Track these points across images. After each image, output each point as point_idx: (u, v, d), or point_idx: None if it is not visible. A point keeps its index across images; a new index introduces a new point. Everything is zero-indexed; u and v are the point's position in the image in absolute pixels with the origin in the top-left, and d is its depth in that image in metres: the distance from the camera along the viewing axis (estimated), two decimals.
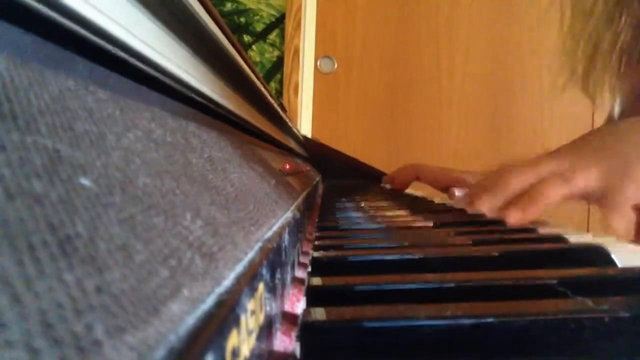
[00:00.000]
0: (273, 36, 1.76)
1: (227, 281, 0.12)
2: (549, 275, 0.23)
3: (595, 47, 0.60)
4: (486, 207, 0.51)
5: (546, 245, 0.32)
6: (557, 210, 0.47)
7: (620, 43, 0.57)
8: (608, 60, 0.59)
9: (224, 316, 0.10)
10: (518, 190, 0.50)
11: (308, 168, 0.89)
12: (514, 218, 0.47)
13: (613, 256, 0.27)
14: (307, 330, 0.17)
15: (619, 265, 0.27)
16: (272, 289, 0.16)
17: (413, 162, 0.79)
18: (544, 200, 0.47)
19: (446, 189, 0.67)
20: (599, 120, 0.69)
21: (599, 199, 0.47)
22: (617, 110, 0.64)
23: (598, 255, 0.28)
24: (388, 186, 0.89)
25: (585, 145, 0.51)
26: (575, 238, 0.33)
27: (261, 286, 0.14)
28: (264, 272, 0.15)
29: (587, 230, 0.38)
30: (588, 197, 0.49)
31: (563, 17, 0.64)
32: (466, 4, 1.77)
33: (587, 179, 0.47)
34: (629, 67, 0.59)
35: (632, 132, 0.49)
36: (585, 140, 0.52)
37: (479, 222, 0.47)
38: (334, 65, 1.80)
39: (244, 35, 1.76)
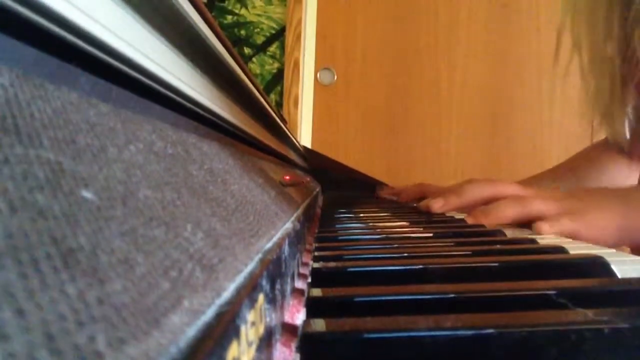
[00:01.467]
0: (273, 48, 1.77)
1: (227, 292, 0.12)
2: (548, 286, 0.23)
3: (612, 84, 0.65)
4: (437, 205, 0.60)
5: (546, 256, 0.32)
6: None
7: (631, 76, 0.62)
8: (622, 94, 0.64)
9: (224, 327, 0.10)
10: (472, 199, 0.58)
11: (308, 179, 0.90)
12: (469, 220, 0.53)
13: (613, 267, 0.27)
14: (307, 342, 0.17)
15: (619, 276, 0.27)
16: (272, 300, 0.16)
17: (420, 182, 0.86)
18: (496, 214, 0.52)
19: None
20: (597, 135, 0.72)
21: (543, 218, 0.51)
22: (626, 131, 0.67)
23: (598, 267, 0.28)
24: (387, 197, 0.92)
25: (565, 192, 0.56)
26: (575, 249, 0.33)
27: (261, 297, 0.14)
28: (264, 283, 0.15)
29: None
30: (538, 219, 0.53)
31: (582, 63, 0.71)
32: (465, 16, 1.78)
33: (541, 206, 0.51)
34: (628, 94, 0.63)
35: (598, 195, 0.55)
36: (569, 191, 0.58)
37: (478, 233, 0.47)
38: (334, 77, 1.80)
39: (245, 48, 1.77)
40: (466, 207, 0.59)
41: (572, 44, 0.70)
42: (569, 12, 0.71)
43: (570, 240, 0.41)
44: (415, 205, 0.63)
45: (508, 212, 0.52)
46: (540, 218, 0.50)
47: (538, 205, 0.51)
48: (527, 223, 0.51)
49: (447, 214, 0.62)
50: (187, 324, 0.09)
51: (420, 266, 0.28)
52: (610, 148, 0.74)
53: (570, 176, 0.78)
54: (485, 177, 0.62)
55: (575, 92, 0.72)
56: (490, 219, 0.52)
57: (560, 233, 0.48)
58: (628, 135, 0.69)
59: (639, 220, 0.52)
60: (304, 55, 1.76)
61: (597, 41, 0.66)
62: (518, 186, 0.58)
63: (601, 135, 0.75)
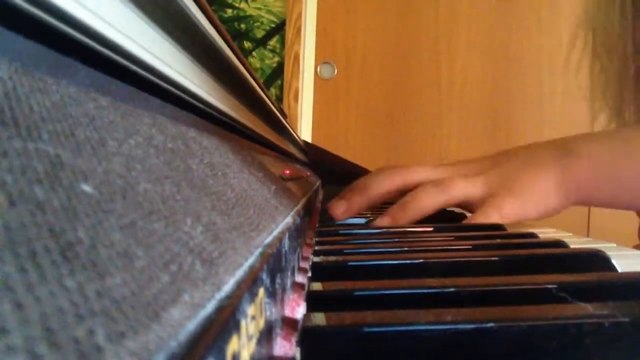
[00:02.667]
0: (273, 42, 1.76)
1: (228, 286, 0.12)
2: (548, 280, 0.23)
3: (626, 75, 0.60)
4: (339, 211, 0.49)
5: (546, 250, 0.32)
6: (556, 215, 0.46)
7: None
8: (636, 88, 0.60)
9: (224, 321, 0.10)
10: (380, 195, 0.48)
11: (308, 173, 0.89)
12: (380, 223, 0.46)
13: (613, 261, 0.27)
14: (307, 336, 0.17)
15: (619, 270, 0.27)
16: (272, 294, 0.16)
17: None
18: (414, 208, 0.45)
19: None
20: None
21: (473, 205, 0.46)
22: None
23: (598, 261, 0.28)
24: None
25: (486, 158, 0.50)
26: (575, 243, 0.33)
27: (261, 291, 0.14)
28: (264, 277, 0.15)
29: (587, 235, 0.38)
30: (465, 205, 0.47)
31: (594, 55, 0.64)
32: (465, 10, 1.78)
33: (465, 187, 0.45)
34: None
35: (530, 151, 0.47)
36: (490, 156, 0.51)
37: (478, 227, 0.47)
38: (334, 71, 1.80)
39: (245, 42, 1.77)
40: (375, 205, 0.51)
41: (584, 43, 0.67)
42: (588, 14, 0.67)
43: (571, 234, 0.41)
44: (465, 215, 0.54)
45: (428, 201, 0.45)
46: (466, 201, 0.45)
47: (460, 187, 0.45)
48: (454, 207, 0.45)
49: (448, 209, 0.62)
50: (187, 318, 0.09)
51: (421, 260, 0.28)
52: None
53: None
54: (392, 164, 0.52)
55: (575, 88, 0.71)
56: (408, 216, 0.45)
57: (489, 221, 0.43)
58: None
59: (586, 172, 0.43)
60: (304, 49, 1.76)
61: (611, 36, 0.63)
62: (431, 167, 0.50)
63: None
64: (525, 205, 0.44)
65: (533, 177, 0.44)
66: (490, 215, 0.44)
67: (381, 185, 0.49)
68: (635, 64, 0.60)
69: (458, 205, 0.47)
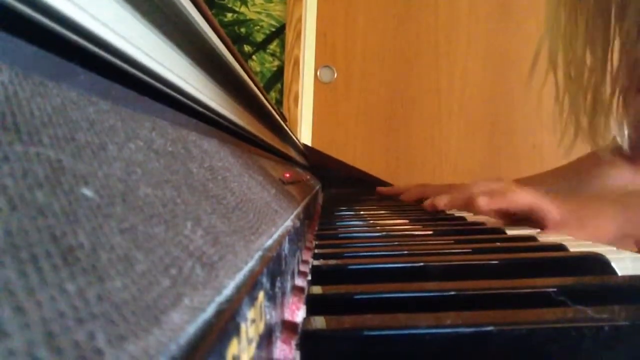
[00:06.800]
0: (273, 46, 1.77)
1: (228, 290, 0.12)
2: (548, 283, 0.23)
3: (595, 97, 0.65)
4: (443, 202, 0.59)
5: (546, 254, 0.32)
6: None
7: (619, 85, 0.63)
8: (609, 104, 0.65)
9: (224, 325, 0.10)
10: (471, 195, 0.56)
11: (308, 177, 0.90)
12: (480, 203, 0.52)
13: (613, 265, 0.27)
14: (307, 339, 0.17)
15: (619, 273, 0.27)
16: (272, 298, 0.16)
17: (421, 183, 0.85)
18: (510, 197, 0.51)
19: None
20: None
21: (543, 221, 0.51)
22: (625, 137, 0.68)
23: (598, 264, 0.28)
24: (386, 193, 0.92)
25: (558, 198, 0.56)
26: (575, 246, 0.33)
27: (261, 295, 0.14)
28: (264, 281, 0.15)
29: None
30: (536, 219, 0.52)
31: (557, 80, 0.72)
32: (465, 15, 1.78)
33: (549, 204, 0.51)
34: (631, 101, 0.64)
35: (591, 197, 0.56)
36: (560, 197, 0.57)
37: (478, 230, 0.47)
38: (334, 74, 1.80)
39: (245, 46, 1.77)
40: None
41: (548, 63, 0.71)
42: (548, 31, 0.71)
43: (571, 238, 0.41)
44: (464, 218, 0.60)
45: (524, 197, 0.52)
46: (545, 222, 0.50)
47: (552, 212, 0.51)
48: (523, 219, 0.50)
49: (447, 212, 0.62)
50: (187, 322, 0.09)
51: (421, 264, 0.28)
52: (614, 152, 0.74)
53: (572, 177, 0.79)
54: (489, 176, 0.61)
55: (549, 102, 0.74)
56: (503, 201, 0.52)
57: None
58: (626, 142, 0.69)
59: (633, 214, 0.52)
60: (304, 52, 1.76)
61: (575, 56, 0.67)
62: (531, 194, 0.56)
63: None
64: (587, 233, 0.49)
65: (600, 222, 0.52)
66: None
67: (475, 190, 0.56)
68: (613, 80, 0.64)
69: (528, 217, 0.51)
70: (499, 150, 1.76)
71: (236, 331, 0.11)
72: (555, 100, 0.72)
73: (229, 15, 1.77)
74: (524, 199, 0.51)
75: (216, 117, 0.30)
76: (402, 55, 1.80)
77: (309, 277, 0.27)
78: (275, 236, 0.21)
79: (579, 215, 0.52)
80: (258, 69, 1.77)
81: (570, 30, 0.67)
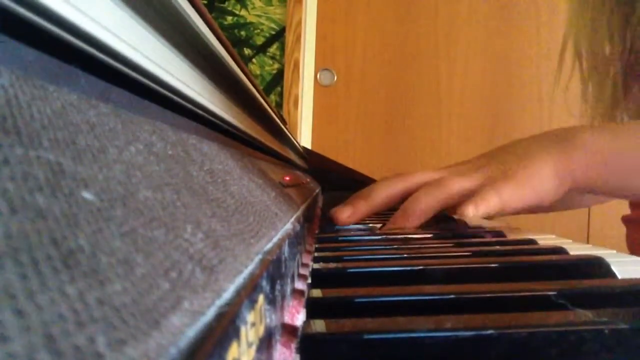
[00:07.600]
0: (273, 49, 1.77)
1: (228, 293, 0.12)
2: (548, 287, 0.23)
3: (614, 87, 0.63)
4: (344, 215, 0.50)
5: (546, 257, 0.32)
6: (556, 221, 0.47)
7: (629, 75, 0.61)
8: (624, 91, 0.63)
9: (224, 328, 0.10)
10: (383, 201, 0.50)
11: (308, 180, 0.90)
12: (386, 227, 0.47)
13: (613, 268, 0.27)
14: (307, 342, 0.17)
15: (619, 276, 0.27)
16: (272, 301, 0.16)
17: (386, 180, 0.80)
18: (414, 209, 0.46)
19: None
20: None
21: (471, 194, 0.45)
22: None
23: (598, 267, 0.28)
24: None
25: (483, 155, 0.51)
26: (575, 249, 0.33)
27: (261, 298, 0.14)
28: (264, 284, 0.15)
29: (587, 241, 0.38)
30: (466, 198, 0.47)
31: (583, 71, 0.68)
32: (465, 16, 1.79)
33: (462, 181, 0.46)
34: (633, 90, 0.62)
35: (527, 142, 0.49)
36: (488, 152, 0.52)
37: (478, 233, 0.47)
38: (334, 77, 1.81)
39: (245, 49, 1.77)
40: (380, 211, 0.52)
41: (573, 53, 0.69)
42: (573, 21, 0.69)
43: (571, 240, 0.41)
44: (463, 221, 0.54)
45: (428, 201, 0.46)
46: (465, 197, 0.44)
47: (457, 183, 0.45)
48: (454, 206, 0.45)
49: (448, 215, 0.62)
50: (187, 325, 0.09)
51: (420, 267, 0.28)
52: None
53: None
54: (396, 173, 0.53)
55: (574, 93, 0.73)
56: (411, 218, 0.46)
57: (489, 211, 0.43)
58: None
59: (582, 159, 0.44)
60: (304, 55, 1.76)
61: (598, 46, 0.65)
62: (431, 171, 0.51)
63: None
64: (524, 189, 0.44)
65: (530, 164, 0.45)
66: (488, 199, 0.43)
67: (385, 192, 0.50)
68: (624, 73, 0.62)
69: (460, 203, 0.46)
70: None
71: (236, 334, 0.11)
72: (582, 94, 0.68)
73: (229, 18, 1.77)
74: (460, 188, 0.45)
75: (216, 120, 0.30)
76: (402, 57, 1.80)
77: (309, 281, 0.27)
78: (275, 239, 0.21)
79: (507, 167, 0.45)
80: (258, 72, 1.77)
81: (593, 19, 0.64)
